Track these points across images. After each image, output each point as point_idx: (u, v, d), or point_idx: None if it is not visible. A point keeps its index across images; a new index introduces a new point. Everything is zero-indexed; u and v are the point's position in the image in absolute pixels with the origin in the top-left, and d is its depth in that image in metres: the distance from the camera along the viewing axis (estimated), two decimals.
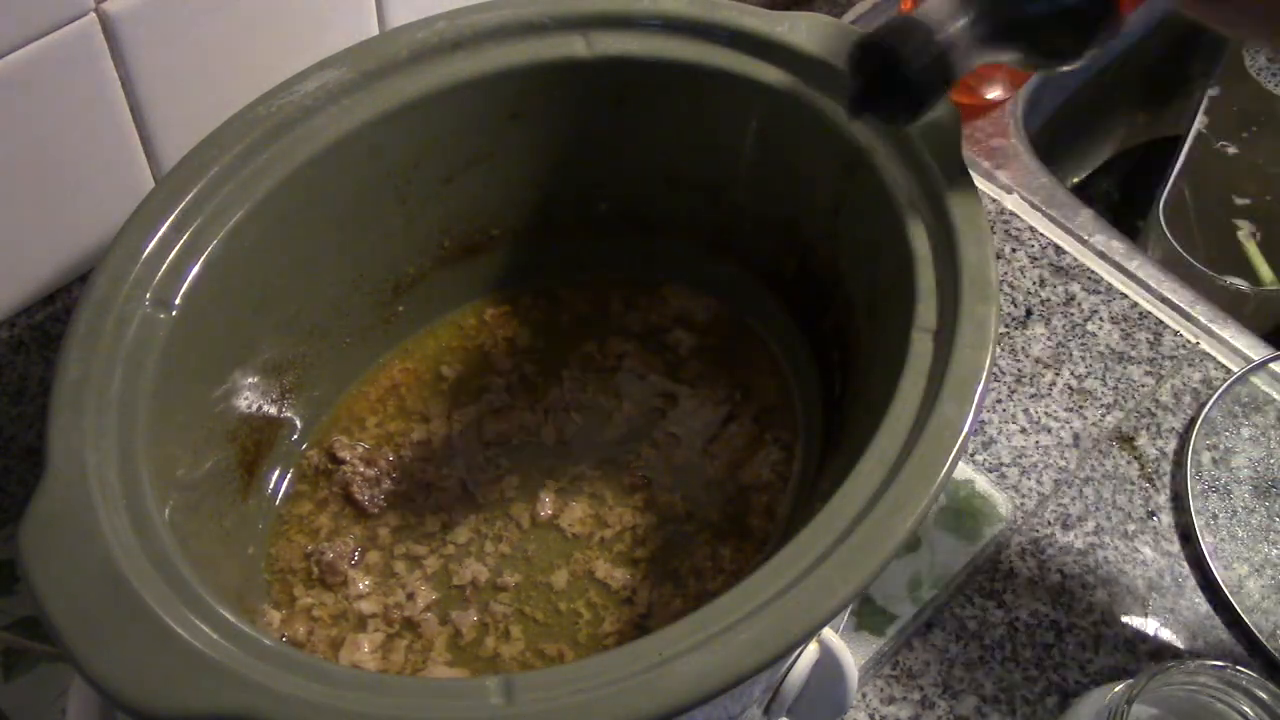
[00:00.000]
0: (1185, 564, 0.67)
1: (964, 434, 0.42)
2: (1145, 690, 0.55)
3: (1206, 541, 0.67)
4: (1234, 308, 0.79)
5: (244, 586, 0.52)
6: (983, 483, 0.69)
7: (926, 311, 0.46)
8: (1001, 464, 0.69)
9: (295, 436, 0.57)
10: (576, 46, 0.54)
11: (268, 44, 0.56)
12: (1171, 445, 0.71)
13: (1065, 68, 0.49)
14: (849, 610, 0.63)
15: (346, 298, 0.57)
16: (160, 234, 0.47)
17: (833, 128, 0.51)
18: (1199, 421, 0.71)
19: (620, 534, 0.55)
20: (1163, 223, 0.89)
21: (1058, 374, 0.73)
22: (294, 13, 0.57)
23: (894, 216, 0.49)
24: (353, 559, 0.55)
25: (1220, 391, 0.72)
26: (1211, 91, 0.95)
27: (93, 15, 0.49)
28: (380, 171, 0.54)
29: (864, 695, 0.61)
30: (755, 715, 0.51)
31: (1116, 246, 0.78)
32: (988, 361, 0.44)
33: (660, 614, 0.53)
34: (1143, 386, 0.73)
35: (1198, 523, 0.68)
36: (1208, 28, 0.48)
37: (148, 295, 0.46)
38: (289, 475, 0.57)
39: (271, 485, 0.56)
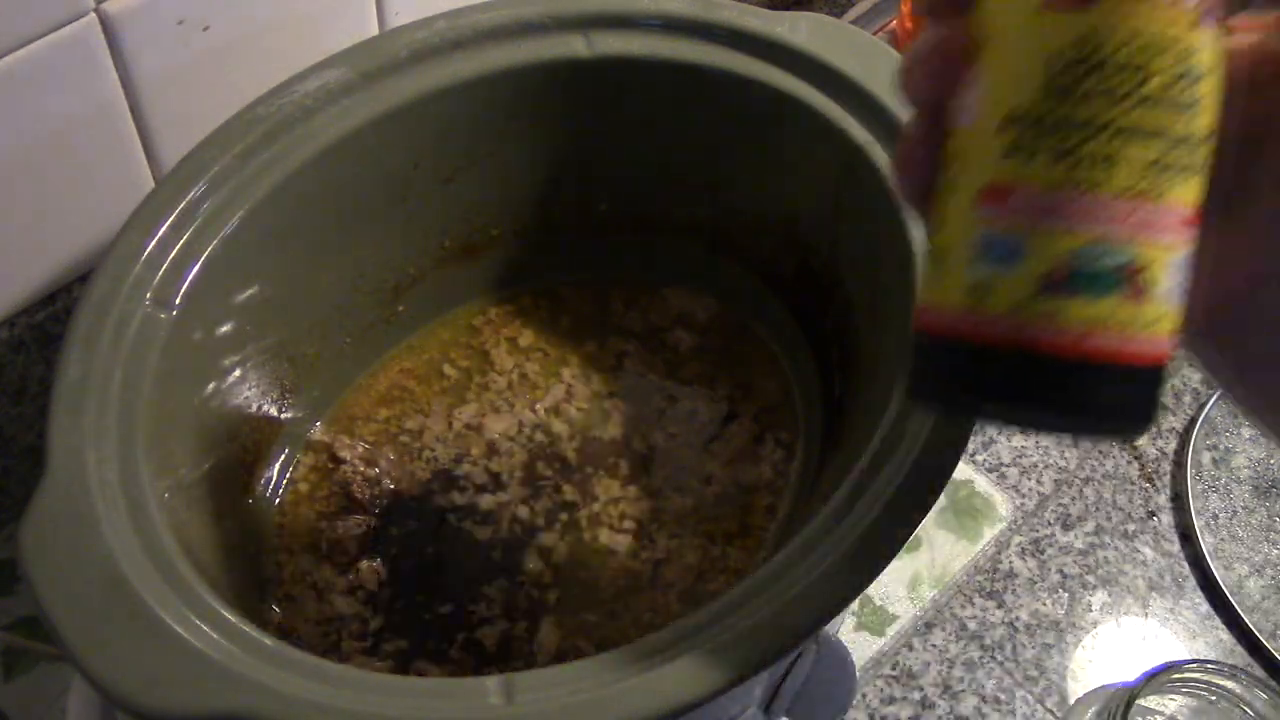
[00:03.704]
0: (1185, 564, 0.67)
1: (964, 434, 0.42)
2: (1145, 690, 0.55)
3: (1206, 541, 0.67)
4: None
5: (244, 586, 0.52)
6: (983, 483, 0.69)
7: None
8: (1001, 464, 0.69)
9: (295, 436, 0.57)
10: (576, 46, 0.54)
11: (267, 44, 0.57)
12: (1171, 445, 0.71)
13: None
14: (849, 610, 0.63)
15: (347, 297, 0.57)
16: (160, 234, 0.47)
17: (832, 127, 0.51)
18: (1199, 421, 0.71)
19: (620, 533, 0.55)
20: None
21: None
22: (294, 13, 0.57)
23: (894, 216, 0.48)
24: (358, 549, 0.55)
25: (1220, 391, 0.72)
26: None
27: (93, 15, 0.49)
28: (380, 171, 0.54)
29: (864, 695, 0.61)
30: (755, 715, 0.51)
31: None
32: None
33: (661, 612, 0.53)
34: None
35: (1198, 523, 0.68)
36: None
37: (148, 295, 0.46)
38: (289, 475, 0.57)
39: (272, 485, 0.56)
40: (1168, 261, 0.31)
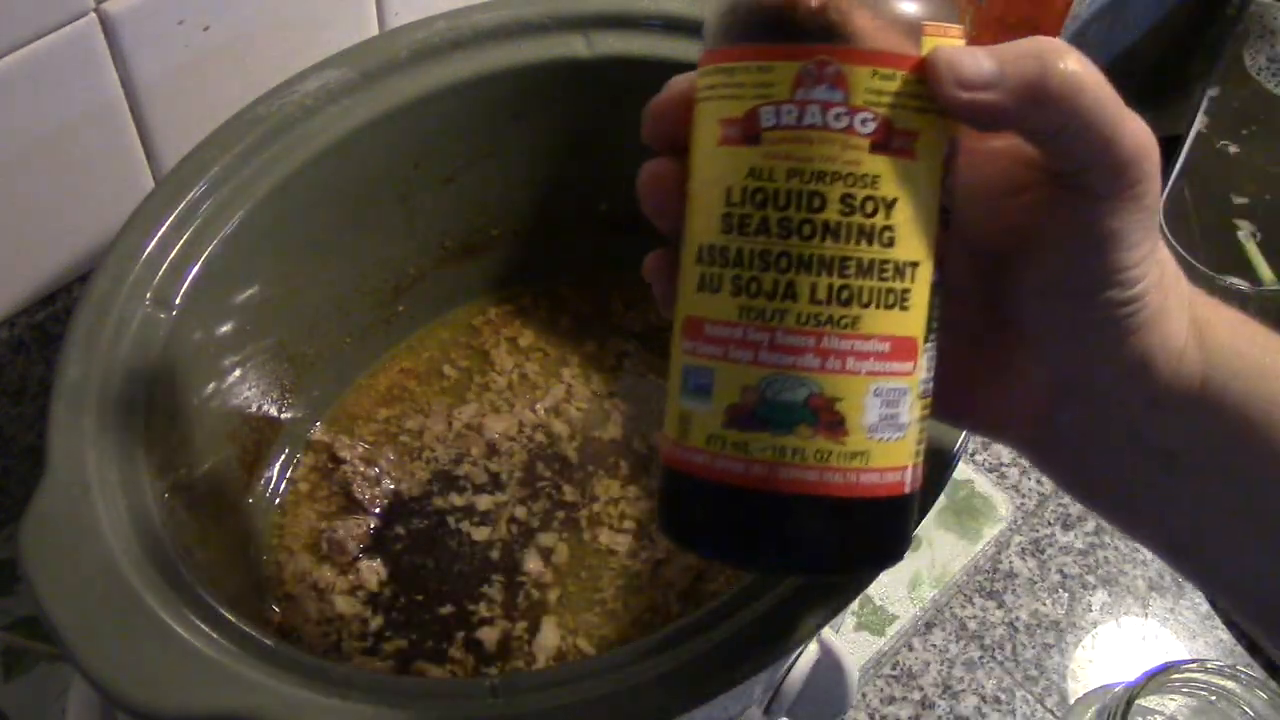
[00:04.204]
0: None
1: (964, 433, 0.42)
2: (1145, 690, 0.55)
3: None
4: (1234, 308, 0.78)
5: (244, 586, 0.52)
6: (983, 483, 0.69)
7: None
8: (1001, 464, 0.69)
9: (296, 436, 0.57)
10: (576, 46, 0.54)
11: (268, 44, 0.56)
12: None
13: None
14: (849, 610, 0.63)
15: (347, 297, 0.57)
16: (160, 234, 0.47)
17: None
18: None
19: (620, 533, 0.55)
20: (1163, 223, 0.89)
21: None
22: (294, 13, 0.57)
23: None
24: (358, 550, 0.55)
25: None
26: (1211, 91, 0.95)
27: (93, 15, 0.49)
28: (380, 171, 0.54)
29: (864, 695, 0.61)
30: (755, 715, 0.51)
31: None
32: None
33: (661, 612, 0.53)
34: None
35: None
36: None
37: (148, 295, 0.46)
38: (289, 475, 0.57)
39: (272, 485, 0.56)
40: (868, 392, 0.29)
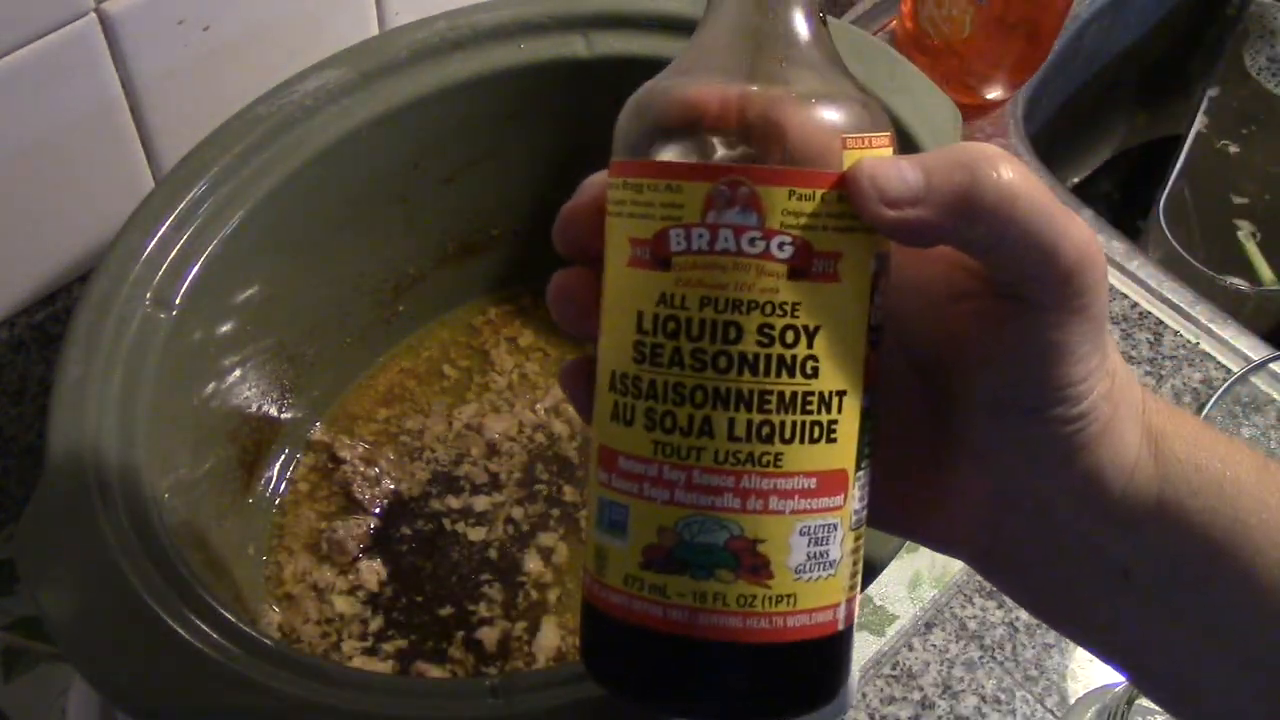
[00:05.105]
0: None
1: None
2: None
3: None
4: (1234, 308, 0.78)
5: (244, 586, 0.52)
6: None
7: None
8: None
9: (295, 436, 0.57)
10: (576, 46, 0.54)
11: (267, 44, 0.57)
12: None
13: None
14: None
15: (347, 297, 0.57)
16: (160, 234, 0.47)
17: None
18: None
19: None
20: (1163, 223, 0.89)
21: None
22: (294, 13, 0.57)
23: None
24: (359, 550, 0.55)
25: (1220, 392, 0.72)
26: (1211, 91, 0.95)
27: (93, 15, 0.49)
28: (380, 171, 0.54)
29: (864, 695, 0.61)
30: None
31: (1117, 246, 0.78)
32: None
33: None
34: (1143, 386, 0.73)
35: None
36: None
37: (148, 295, 0.46)
38: (289, 475, 0.57)
39: (271, 485, 0.56)
40: (794, 531, 0.27)
